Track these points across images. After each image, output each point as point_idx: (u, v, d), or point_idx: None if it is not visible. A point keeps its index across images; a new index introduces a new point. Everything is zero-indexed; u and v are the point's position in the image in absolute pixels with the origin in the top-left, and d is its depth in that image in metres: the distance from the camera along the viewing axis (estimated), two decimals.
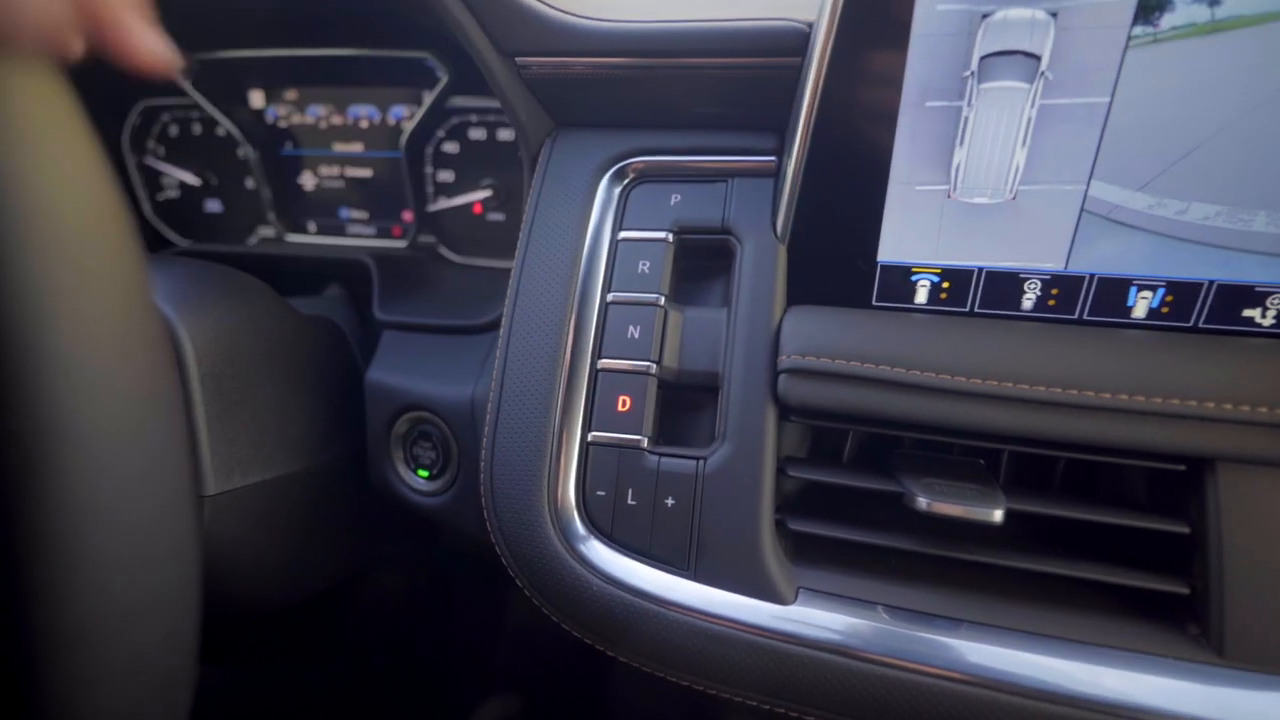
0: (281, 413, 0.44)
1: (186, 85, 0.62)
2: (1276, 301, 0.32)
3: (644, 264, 0.38)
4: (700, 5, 0.40)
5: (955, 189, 0.34)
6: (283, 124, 0.65)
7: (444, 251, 0.64)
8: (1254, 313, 0.33)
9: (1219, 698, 0.29)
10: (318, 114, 0.64)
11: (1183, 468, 0.32)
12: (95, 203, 0.19)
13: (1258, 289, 0.32)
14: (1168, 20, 0.30)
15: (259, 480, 0.42)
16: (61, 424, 0.17)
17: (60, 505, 0.17)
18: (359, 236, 0.67)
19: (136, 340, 0.19)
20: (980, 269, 0.35)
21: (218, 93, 0.64)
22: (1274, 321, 0.32)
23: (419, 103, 0.61)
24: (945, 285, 0.36)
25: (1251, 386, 0.30)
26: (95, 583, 0.17)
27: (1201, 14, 0.29)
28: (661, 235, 0.39)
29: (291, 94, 0.64)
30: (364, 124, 0.63)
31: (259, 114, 0.65)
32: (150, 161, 0.69)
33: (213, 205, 0.70)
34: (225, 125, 0.64)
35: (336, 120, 0.64)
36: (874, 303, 0.36)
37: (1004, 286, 0.35)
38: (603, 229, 0.40)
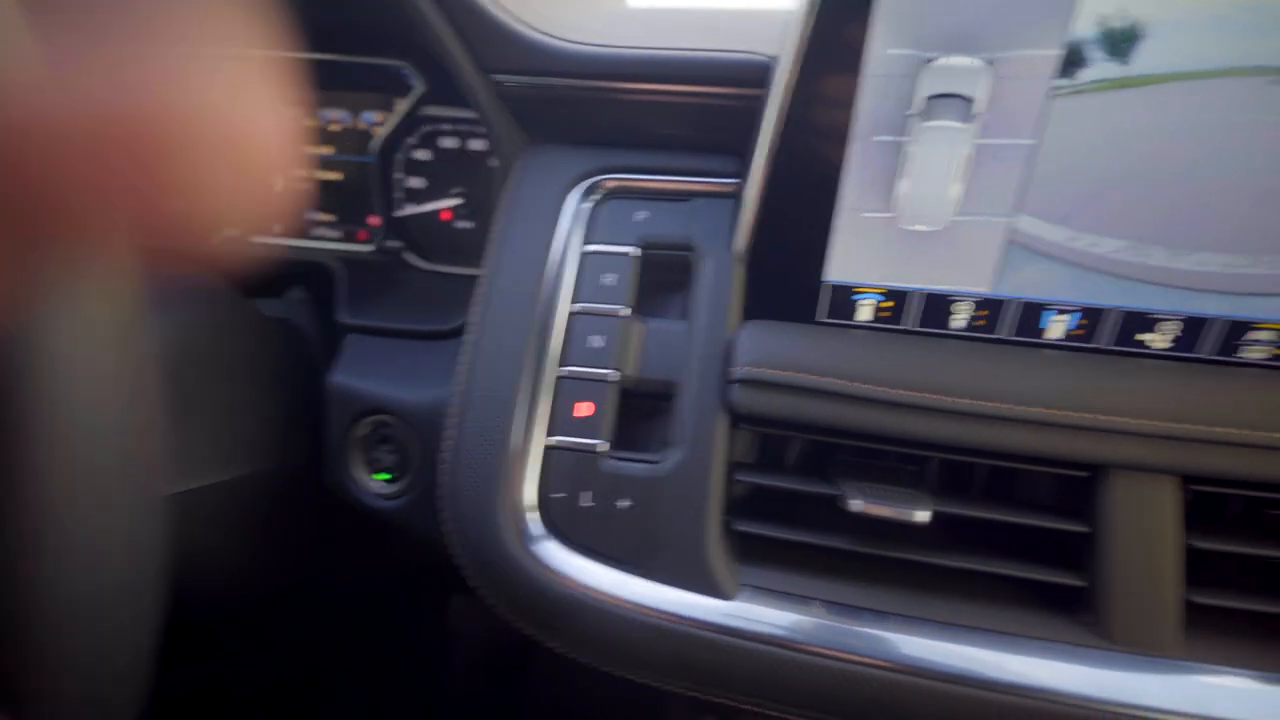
0: (241, 414, 0.44)
1: None
2: (1170, 328, 0.36)
3: (609, 276, 0.40)
4: (672, 36, 0.42)
5: (898, 217, 0.37)
6: None
7: (410, 257, 0.65)
8: (1148, 336, 0.37)
9: (1103, 678, 0.32)
10: None
11: (1085, 474, 0.35)
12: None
13: (1150, 315, 0.36)
14: (1086, 75, 0.33)
15: (217, 481, 0.42)
16: (36, 416, 0.17)
17: (30, 497, 0.18)
18: (324, 239, 0.67)
19: (117, 348, 0.20)
20: (918, 290, 0.38)
21: None
22: (1169, 344, 0.36)
23: (390, 109, 0.62)
24: (886, 305, 0.38)
25: (1141, 403, 0.34)
26: (61, 573, 0.18)
27: (1114, 71, 0.33)
28: (627, 250, 0.41)
29: None
30: (334, 127, 0.64)
31: None
32: None
33: None
34: None
35: (306, 122, 0.64)
36: (821, 319, 0.39)
37: (938, 307, 0.38)
38: (571, 242, 0.41)
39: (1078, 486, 0.36)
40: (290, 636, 0.73)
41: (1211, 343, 0.36)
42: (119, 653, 0.20)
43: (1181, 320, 0.36)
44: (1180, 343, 0.36)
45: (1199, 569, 0.34)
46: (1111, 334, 0.37)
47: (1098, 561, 0.35)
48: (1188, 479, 0.35)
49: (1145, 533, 0.34)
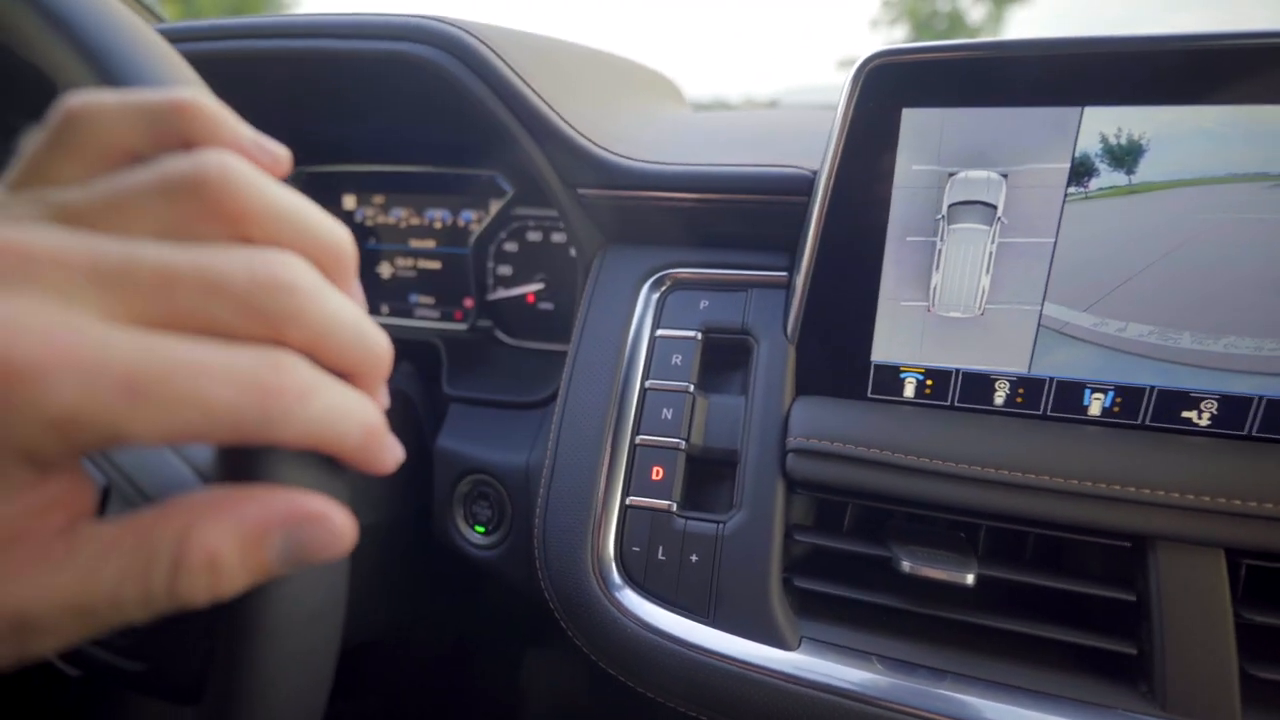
0: (363, 472, 0.52)
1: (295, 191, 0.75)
2: (1209, 406, 0.38)
3: (677, 357, 0.46)
4: (729, 152, 0.50)
5: (933, 305, 0.42)
6: (369, 223, 0.77)
7: (499, 334, 0.73)
8: (1191, 414, 0.39)
9: None
10: (399, 215, 0.76)
11: (1128, 544, 0.37)
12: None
13: (1192, 394, 0.38)
14: (1095, 183, 0.38)
15: None
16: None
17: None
18: (425, 319, 0.77)
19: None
20: (957, 370, 0.42)
21: (318, 197, 0.75)
22: (1209, 422, 0.39)
23: (486, 209, 0.72)
24: (929, 382, 0.42)
25: (1186, 477, 0.36)
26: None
27: (1120, 180, 0.37)
28: (692, 334, 0.47)
29: (379, 198, 0.76)
30: (438, 224, 0.74)
31: (350, 214, 0.77)
32: None
33: None
34: None
35: (414, 221, 0.75)
36: (869, 395, 0.43)
37: (978, 385, 0.41)
38: (643, 327, 0.48)
39: (1125, 555, 0.38)
40: (374, 681, 0.79)
41: (1259, 422, 0.37)
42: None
43: (1219, 399, 0.38)
44: (1222, 420, 0.38)
45: (1262, 642, 0.35)
46: (1150, 412, 0.39)
47: (1148, 630, 0.36)
48: (1235, 552, 0.36)
49: (1194, 603, 0.35)
